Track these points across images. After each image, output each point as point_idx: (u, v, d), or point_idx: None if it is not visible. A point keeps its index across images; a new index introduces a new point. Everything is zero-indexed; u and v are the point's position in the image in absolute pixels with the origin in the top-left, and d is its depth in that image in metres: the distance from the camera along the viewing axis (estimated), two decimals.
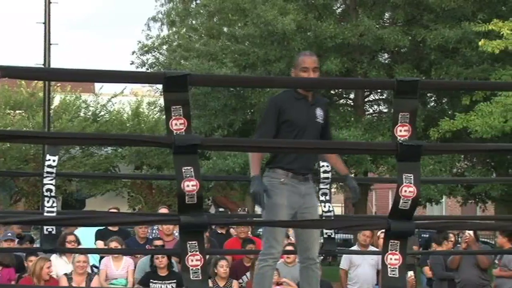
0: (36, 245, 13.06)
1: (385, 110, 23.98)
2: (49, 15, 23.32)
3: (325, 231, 8.95)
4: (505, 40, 17.39)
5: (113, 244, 10.87)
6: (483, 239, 25.81)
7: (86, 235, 11.89)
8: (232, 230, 13.89)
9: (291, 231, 14.04)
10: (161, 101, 23.13)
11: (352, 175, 22.65)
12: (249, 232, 12.80)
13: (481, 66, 20.37)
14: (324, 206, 8.74)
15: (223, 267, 10.69)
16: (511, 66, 19.23)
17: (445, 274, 11.20)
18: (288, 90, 6.97)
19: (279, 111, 6.66)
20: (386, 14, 23.42)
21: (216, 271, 10.66)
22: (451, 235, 11.53)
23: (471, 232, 10.90)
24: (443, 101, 23.43)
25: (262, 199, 6.41)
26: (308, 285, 6.81)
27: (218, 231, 12.77)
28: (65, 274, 10.75)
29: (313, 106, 6.86)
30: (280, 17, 20.50)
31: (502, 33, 17.48)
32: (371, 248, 10.92)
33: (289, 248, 11.66)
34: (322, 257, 21.88)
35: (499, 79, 18.63)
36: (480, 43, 17.70)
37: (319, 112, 6.88)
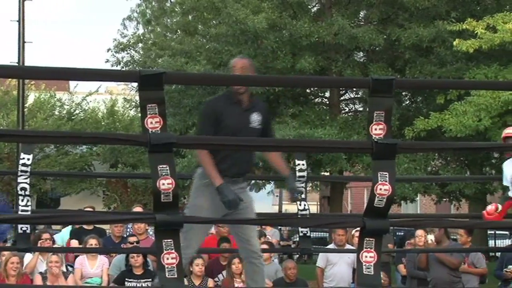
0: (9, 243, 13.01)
1: (361, 109, 24.05)
2: (23, 13, 23.20)
3: (300, 229, 8.97)
4: (479, 40, 17.49)
5: (91, 242, 10.84)
6: (454, 237, 25.97)
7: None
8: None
9: (268, 229, 14.10)
10: (137, 99, 23.10)
11: (327, 173, 22.73)
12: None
13: (455, 65, 20.50)
14: (300, 205, 8.76)
15: (198, 265, 10.68)
16: (485, 65, 19.34)
17: (416, 272, 11.27)
18: (225, 93, 6.91)
19: (216, 114, 6.59)
20: (361, 13, 23.49)
21: (191, 269, 10.65)
22: (419, 233, 11.58)
23: (429, 237, 11.04)
24: (418, 100, 23.54)
25: (237, 205, 6.43)
26: (253, 281, 6.82)
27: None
28: (40, 273, 10.71)
29: (248, 111, 6.73)
30: (251, 16, 20.49)
31: (476, 32, 17.59)
32: (348, 247, 10.96)
33: (264, 246, 11.70)
34: (297, 255, 22.02)
35: (473, 78, 18.73)
36: (454, 43, 17.79)
37: (255, 117, 6.74)
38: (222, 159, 6.51)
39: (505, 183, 8.78)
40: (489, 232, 26.00)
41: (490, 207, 8.85)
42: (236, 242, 7.02)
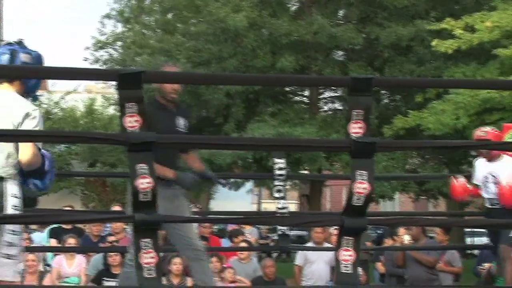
0: None
1: (340, 108, 24.09)
2: (0, 12, 23.09)
3: (279, 227, 8.99)
4: (458, 40, 17.57)
5: (69, 241, 10.81)
6: (432, 235, 26.08)
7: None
8: None
9: (247, 228, 14.12)
10: (115, 97, 23.02)
11: (306, 172, 22.77)
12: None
13: (434, 64, 20.58)
14: (279, 203, 8.78)
15: (176, 264, 10.67)
16: (463, 64, 19.43)
17: (395, 270, 11.33)
18: (151, 100, 6.90)
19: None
20: (341, 12, 23.53)
21: (170, 268, 10.64)
22: (401, 231, 11.64)
23: (406, 237, 11.11)
24: (397, 98, 23.61)
25: (195, 185, 6.65)
26: (204, 275, 6.85)
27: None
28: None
29: (176, 115, 6.77)
30: (232, 14, 20.49)
31: (454, 32, 17.66)
32: (326, 245, 10.99)
33: (244, 244, 11.71)
34: (276, 254, 22.04)
35: (451, 77, 18.81)
36: (433, 43, 17.86)
37: (182, 122, 6.79)
38: (162, 163, 6.29)
39: (474, 181, 8.84)
40: (466, 230, 26.15)
41: (462, 178, 8.94)
42: (176, 242, 6.97)
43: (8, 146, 5.31)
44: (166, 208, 6.27)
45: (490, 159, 8.67)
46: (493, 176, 8.62)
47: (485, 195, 8.69)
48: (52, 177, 5.75)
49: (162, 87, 6.78)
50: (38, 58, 5.59)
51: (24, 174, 5.50)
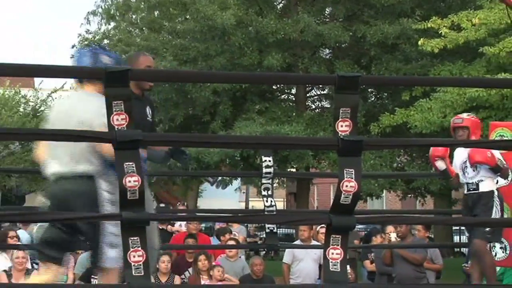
0: None
1: (327, 106, 24.12)
2: None
3: (267, 225, 8.99)
4: (444, 39, 17.62)
5: None
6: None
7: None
8: (169, 227, 13.91)
9: (235, 226, 14.11)
10: None
11: (294, 170, 22.80)
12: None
13: (420, 62, 20.63)
14: (266, 201, 8.78)
15: (164, 262, 10.67)
16: (450, 62, 19.48)
17: (385, 269, 11.33)
18: None
19: None
20: (327, 10, 23.56)
21: (157, 266, 10.63)
22: (388, 229, 11.65)
23: (392, 235, 11.14)
24: (384, 96, 23.67)
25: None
26: None
27: (159, 227, 12.74)
28: (5, 271, 10.64)
29: (144, 105, 6.67)
30: (219, 12, 20.48)
31: (440, 31, 17.71)
32: (314, 243, 11.00)
33: (232, 242, 11.72)
34: (264, 252, 22.07)
35: (438, 75, 18.87)
36: (419, 43, 17.91)
37: (148, 110, 6.70)
38: None
39: (453, 168, 8.85)
40: (454, 228, 26.24)
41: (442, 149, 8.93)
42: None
43: (94, 146, 5.62)
44: None
45: None
46: None
47: (462, 180, 8.65)
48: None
49: None
50: (118, 60, 5.99)
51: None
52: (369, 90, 23.05)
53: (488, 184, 8.51)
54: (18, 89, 28.75)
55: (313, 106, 24.88)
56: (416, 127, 17.86)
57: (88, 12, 25.85)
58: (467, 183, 8.61)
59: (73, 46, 24.94)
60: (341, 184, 4.80)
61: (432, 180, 20.78)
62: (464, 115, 8.94)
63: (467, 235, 10.98)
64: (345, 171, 4.80)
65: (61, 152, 5.70)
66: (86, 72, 5.36)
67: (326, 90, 23.91)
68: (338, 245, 4.87)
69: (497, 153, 8.45)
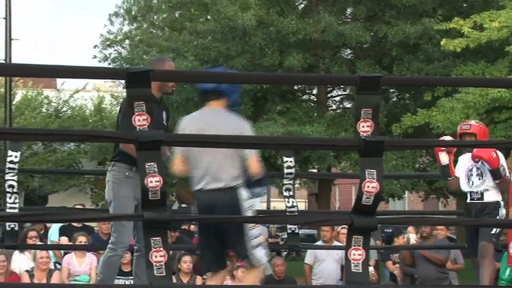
0: None
1: (348, 106, 24.07)
2: (10, 10, 23.11)
3: (289, 226, 8.99)
4: (466, 39, 17.54)
5: (80, 239, 10.83)
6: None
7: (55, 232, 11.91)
8: (193, 227, 13.92)
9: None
10: (124, 95, 23.01)
11: (315, 170, 22.76)
12: None
13: (443, 62, 20.53)
14: (288, 202, 8.78)
15: (186, 262, 10.69)
16: (472, 62, 19.38)
17: (408, 269, 11.29)
18: None
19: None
20: (348, 10, 23.50)
21: (179, 266, 10.65)
22: (409, 229, 11.61)
23: (412, 236, 11.07)
24: (405, 96, 23.57)
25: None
26: (141, 272, 6.79)
27: (182, 227, 12.78)
28: (27, 271, 10.69)
29: (161, 109, 6.85)
30: (240, 13, 20.49)
31: (463, 31, 17.64)
32: (336, 243, 10.97)
33: None
34: (286, 252, 22.05)
35: (460, 75, 18.77)
36: (442, 43, 17.83)
37: (164, 114, 6.90)
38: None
39: (456, 174, 8.62)
40: None
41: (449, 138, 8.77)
42: (136, 235, 7.08)
43: (238, 160, 6.31)
44: (139, 194, 5.81)
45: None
46: (478, 168, 8.40)
47: (466, 189, 8.45)
48: (266, 183, 6.82)
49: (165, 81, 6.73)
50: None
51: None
52: (391, 90, 22.96)
53: (493, 194, 8.32)
54: (41, 90, 28.91)
55: (334, 107, 24.83)
56: (438, 127, 17.77)
57: (110, 14, 25.97)
58: (471, 192, 8.42)
59: (95, 46, 25.03)
60: (362, 185, 4.79)
61: None
62: (473, 121, 8.85)
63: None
64: (366, 172, 4.80)
65: (215, 168, 6.31)
66: (108, 73, 5.40)
67: (348, 90, 23.86)
68: (360, 246, 4.86)
69: (503, 160, 8.26)
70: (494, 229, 8.14)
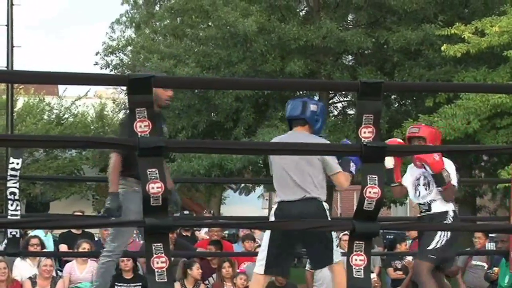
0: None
1: (350, 112, 24.07)
2: (11, 17, 23.15)
3: None
4: (467, 44, 17.56)
5: (84, 246, 10.84)
6: None
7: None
8: (197, 233, 13.90)
9: (257, 233, 14.09)
10: (126, 101, 23.02)
11: None
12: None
13: (444, 68, 20.53)
14: None
15: (199, 269, 10.73)
16: (474, 68, 19.39)
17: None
18: None
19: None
20: (349, 16, 23.51)
21: (190, 272, 10.66)
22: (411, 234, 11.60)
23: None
24: (407, 103, 23.57)
25: (114, 214, 6.94)
26: (103, 277, 7.25)
27: (183, 234, 12.77)
28: (29, 278, 10.69)
29: (162, 121, 7.14)
30: (241, 19, 20.51)
31: (463, 36, 17.65)
32: None
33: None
34: None
35: (461, 81, 18.78)
36: (443, 48, 17.85)
37: (165, 128, 7.16)
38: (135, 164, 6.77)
39: (403, 183, 8.08)
40: None
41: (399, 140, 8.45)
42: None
43: (321, 174, 6.93)
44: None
45: None
46: (425, 177, 7.87)
47: (414, 200, 7.95)
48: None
49: (157, 94, 6.80)
50: (322, 108, 7.10)
51: None
52: (392, 96, 22.97)
53: (441, 204, 7.73)
54: (43, 97, 28.94)
55: (336, 113, 24.83)
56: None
57: (112, 22, 26.04)
58: (419, 204, 7.88)
59: (97, 53, 25.07)
60: (364, 191, 4.79)
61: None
62: (422, 124, 8.35)
63: (493, 242, 10.81)
64: (368, 178, 4.80)
65: (314, 181, 6.88)
66: (109, 80, 5.41)
67: (349, 96, 23.86)
68: (361, 252, 4.86)
69: (450, 167, 7.74)
70: (433, 244, 7.55)
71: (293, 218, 6.61)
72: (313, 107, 6.95)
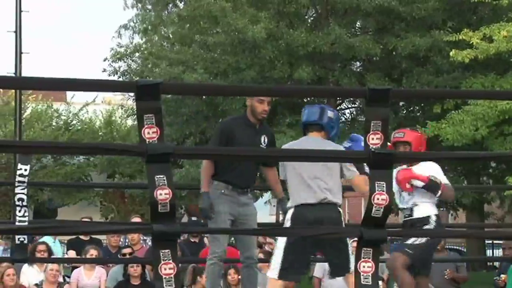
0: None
1: (358, 119, 24.03)
2: (20, 23, 23.19)
3: None
4: (475, 50, 17.53)
5: (92, 252, 10.83)
6: (452, 247, 25.93)
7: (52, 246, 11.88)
8: (205, 239, 13.88)
9: (260, 239, 14.09)
10: (134, 107, 23.02)
11: None
12: None
13: (452, 75, 20.50)
14: None
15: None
16: (482, 74, 19.36)
17: None
18: (241, 115, 7.79)
19: (227, 135, 7.30)
20: (358, 23, 23.50)
21: (200, 279, 10.63)
22: None
23: None
24: (415, 109, 23.54)
25: (208, 214, 7.25)
26: (250, 283, 7.52)
27: (192, 240, 12.75)
28: (36, 284, 10.70)
29: (259, 133, 7.44)
30: (250, 26, 20.52)
31: (472, 42, 17.63)
32: None
33: (260, 256, 11.69)
34: None
35: (470, 87, 18.76)
36: (451, 53, 17.83)
37: (263, 139, 7.45)
38: (228, 171, 7.30)
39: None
40: (486, 241, 26.01)
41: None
42: (238, 248, 7.80)
43: (339, 178, 7.06)
44: (234, 210, 7.38)
45: (410, 164, 7.61)
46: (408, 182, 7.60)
47: (400, 205, 7.74)
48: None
49: (254, 107, 7.44)
50: (338, 116, 7.33)
51: None
52: (400, 103, 22.94)
53: (423, 209, 7.56)
54: (51, 103, 28.98)
55: (344, 119, 24.80)
56: (448, 140, 17.74)
57: (120, 26, 26.03)
58: (403, 209, 7.72)
59: (105, 60, 25.07)
60: (372, 197, 4.78)
61: (464, 193, 20.63)
62: (407, 129, 7.90)
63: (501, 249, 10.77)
64: (376, 184, 4.79)
65: (332, 185, 6.96)
66: (117, 86, 5.42)
67: (357, 103, 23.84)
68: (369, 258, 4.85)
69: (431, 169, 7.54)
70: (412, 240, 7.44)
71: (309, 222, 6.66)
72: (330, 113, 7.08)
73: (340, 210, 6.97)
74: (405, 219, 7.64)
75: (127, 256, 10.92)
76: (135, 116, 5.80)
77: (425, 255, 7.60)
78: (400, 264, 7.40)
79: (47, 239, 12.02)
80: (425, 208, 7.56)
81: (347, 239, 6.98)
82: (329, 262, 7.15)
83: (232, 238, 9.01)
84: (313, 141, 6.96)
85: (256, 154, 5.88)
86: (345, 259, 6.88)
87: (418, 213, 7.57)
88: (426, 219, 7.52)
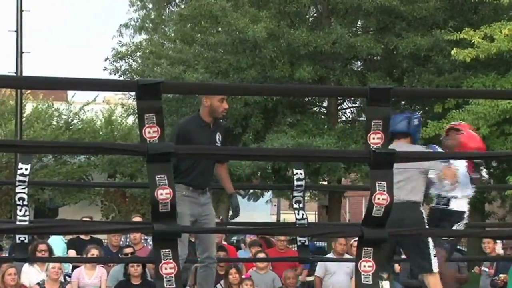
0: (5, 254, 13.00)
1: (359, 118, 24.02)
2: (21, 23, 23.21)
3: (299, 238, 8.97)
4: (476, 49, 17.52)
5: (93, 252, 10.84)
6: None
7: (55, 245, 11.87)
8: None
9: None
10: (134, 106, 23.02)
11: (326, 182, 22.72)
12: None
13: (453, 74, 20.49)
14: (298, 214, 8.76)
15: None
16: (483, 74, 19.35)
17: (407, 281, 11.21)
18: (194, 116, 7.72)
19: (184, 138, 7.29)
20: (359, 22, 23.48)
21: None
22: None
23: None
24: (416, 108, 23.51)
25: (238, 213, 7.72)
26: (206, 283, 7.67)
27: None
28: (38, 284, 10.71)
29: (213, 132, 7.48)
30: (251, 25, 20.51)
31: (473, 41, 17.62)
32: (346, 256, 10.95)
33: (261, 255, 11.70)
34: None
35: (471, 87, 18.74)
36: (452, 52, 17.82)
37: (218, 137, 7.51)
38: (188, 172, 7.38)
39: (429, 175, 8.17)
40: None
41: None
42: (197, 248, 7.84)
43: (423, 175, 7.46)
44: (195, 211, 7.48)
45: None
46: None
47: (435, 192, 7.95)
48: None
49: (214, 106, 7.42)
50: (420, 119, 8.00)
51: None
52: (401, 102, 22.93)
53: (460, 203, 7.88)
54: (51, 103, 28.98)
55: (345, 119, 24.80)
56: None
57: (121, 25, 26.02)
58: (438, 195, 7.92)
59: (106, 59, 25.06)
60: (373, 197, 4.78)
61: None
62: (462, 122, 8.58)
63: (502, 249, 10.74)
64: (377, 184, 4.79)
65: (405, 183, 7.33)
66: (118, 85, 5.42)
67: (358, 102, 23.82)
68: (370, 258, 4.85)
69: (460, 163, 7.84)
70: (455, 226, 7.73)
71: (397, 221, 6.70)
72: (415, 121, 7.83)
73: (420, 208, 7.48)
74: (438, 206, 7.94)
75: (129, 256, 10.93)
76: (136, 114, 5.81)
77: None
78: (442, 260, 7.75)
79: (56, 237, 12.04)
80: (463, 202, 7.95)
81: (429, 239, 7.30)
82: (410, 261, 7.60)
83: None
84: (399, 145, 7.45)
85: (263, 154, 5.88)
86: (425, 259, 7.25)
87: (455, 205, 7.90)
88: (461, 215, 7.91)
